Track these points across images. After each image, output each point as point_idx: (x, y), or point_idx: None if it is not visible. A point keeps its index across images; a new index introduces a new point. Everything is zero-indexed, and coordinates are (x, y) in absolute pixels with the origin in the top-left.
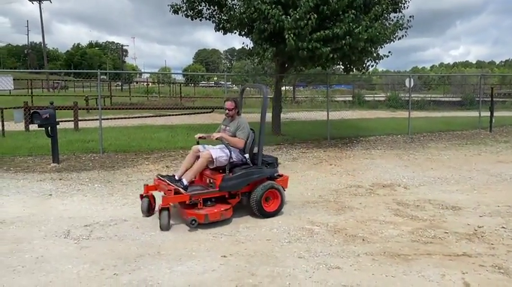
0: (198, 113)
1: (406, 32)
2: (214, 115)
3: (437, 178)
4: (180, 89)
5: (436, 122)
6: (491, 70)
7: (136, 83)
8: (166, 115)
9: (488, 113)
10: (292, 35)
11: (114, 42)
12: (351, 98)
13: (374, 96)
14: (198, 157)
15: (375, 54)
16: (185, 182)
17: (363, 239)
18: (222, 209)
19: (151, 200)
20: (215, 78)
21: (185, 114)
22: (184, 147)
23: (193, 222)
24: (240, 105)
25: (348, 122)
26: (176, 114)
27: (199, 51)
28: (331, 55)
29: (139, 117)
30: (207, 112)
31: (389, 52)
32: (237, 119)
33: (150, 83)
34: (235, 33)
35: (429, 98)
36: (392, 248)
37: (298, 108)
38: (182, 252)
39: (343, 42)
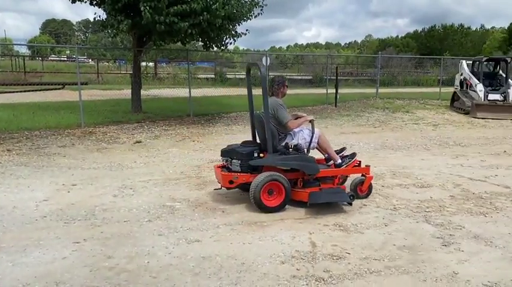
0: (45, 89)
1: (261, 10)
2: (66, 92)
3: None
4: (24, 62)
5: (291, 98)
6: (338, 51)
7: None
8: (6, 92)
9: (334, 90)
10: (148, 7)
11: None
12: (213, 76)
13: (235, 74)
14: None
15: (233, 32)
16: None
17: (223, 211)
18: None
19: None
20: (67, 52)
21: (30, 91)
22: (30, 128)
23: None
24: (249, 87)
25: (211, 99)
26: (19, 91)
27: (47, 21)
28: (190, 31)
29: None
30: (57, 89)
31: (246, 30)
32: None
33: None
34: (85, 2)
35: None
36: (250, 217)
37: (160, 85)
38: (27, 242)
39: (201, 18)
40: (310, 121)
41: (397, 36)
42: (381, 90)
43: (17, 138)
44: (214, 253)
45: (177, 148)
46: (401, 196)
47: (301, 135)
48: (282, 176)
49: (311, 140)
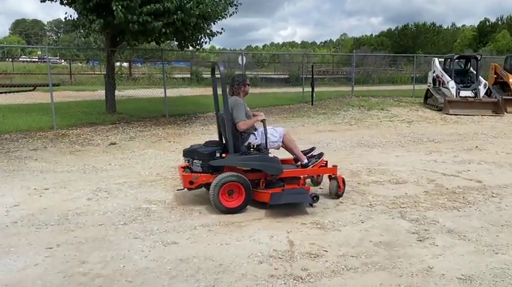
0: (16, 91)
1: (236, 9)
2: (37, 94)
3: None
4: None
5: (268, 97)
6: (313, 50)
7: None
8: None
9: (310, 89)
10: (120, 6)
11: None
12: (189, 75)
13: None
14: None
15: (208, 31)
16: None
17: (200, 212)
18: None
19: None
20: (39, 53)
21: (0, 93)
22: (0, 131)
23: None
24: (215, 86)
25: (187, 99)
26: None
27: (17, 21)
28: (164, 30)
29: None
30: (27, 90)
31: (222, 29)
32: None
33: None
34: (55, 1)
35: (261, 76)
36: (227, 218)
37: (135, 86)
38: None
39: (175, 17)
40: (261, 121)
41: (372, 34)
42: (356, 88)
43: None
44: (192, 255)
45: (153, 149)
46: (377, 193)
47: (264, 135)
48: (241, 177)
49: (266, 140)
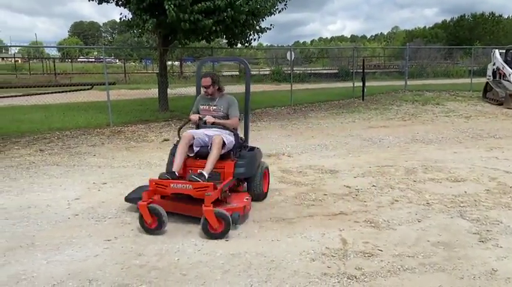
0: (75, 90)
1: (285, 5)
2: (94, 92)
3: (317, 145)
4: (54, 64)
5: (316, 93)
6: (363, 44)
7: (2, 59)
8: (38, 94)
9: (360, 83)
10: (172, 5)
11: None
12: (237, 73)
13: (259, 71)
14: (191, 145)
15: (257, 27)
16: (207, 174)
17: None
18: (245, 197)
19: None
20: (95, 53)
21: (60, 92)
22: (61, 128)
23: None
24: (198, 83)
25: (235, 96)
26: (50, 93)
27: (75, 23)
28: (214, 28)
29: (5, 97)
30: (85, 89)
31: (271, 25)
32: (224, 96)
33: (20, 59)
34: (111, 3)
35: (310, 71)
36: (278, 214)
37: (186, 84)
38: (60, 240)
39: (225, 14)
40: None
41: (425, 27)
42: (410, 82)
43: (49, 139)
44: (243, 250)
45: None
46: (434, 191)
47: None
48: None
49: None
